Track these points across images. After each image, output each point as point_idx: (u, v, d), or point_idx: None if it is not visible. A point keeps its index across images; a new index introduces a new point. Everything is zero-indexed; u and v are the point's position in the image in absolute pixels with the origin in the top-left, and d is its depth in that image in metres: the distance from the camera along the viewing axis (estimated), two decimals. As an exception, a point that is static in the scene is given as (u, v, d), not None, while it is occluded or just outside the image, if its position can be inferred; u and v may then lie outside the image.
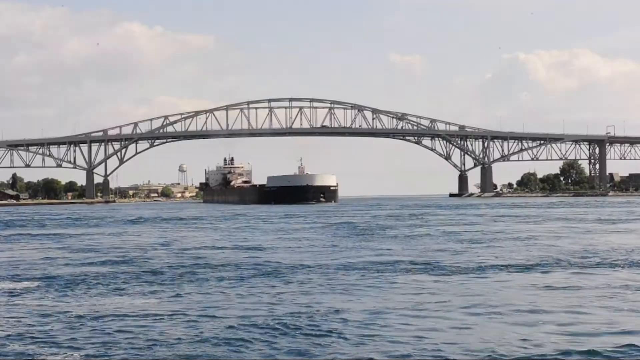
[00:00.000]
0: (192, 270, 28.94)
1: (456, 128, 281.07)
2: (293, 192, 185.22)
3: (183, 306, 20.05)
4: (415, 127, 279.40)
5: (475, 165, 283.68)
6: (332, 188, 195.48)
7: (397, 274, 27.19)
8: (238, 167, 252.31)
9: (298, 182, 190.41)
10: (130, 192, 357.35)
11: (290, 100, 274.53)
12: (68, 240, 50.75)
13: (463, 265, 29.64)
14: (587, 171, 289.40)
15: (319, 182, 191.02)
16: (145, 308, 19.75)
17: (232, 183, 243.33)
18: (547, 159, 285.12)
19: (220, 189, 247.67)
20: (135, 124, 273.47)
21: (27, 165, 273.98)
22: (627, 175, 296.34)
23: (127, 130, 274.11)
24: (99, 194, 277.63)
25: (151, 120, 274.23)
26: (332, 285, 24.10)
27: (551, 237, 45.83)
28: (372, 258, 33.22)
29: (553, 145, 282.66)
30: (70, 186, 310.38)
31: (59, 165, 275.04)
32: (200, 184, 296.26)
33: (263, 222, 75.97)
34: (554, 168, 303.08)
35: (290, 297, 21.55)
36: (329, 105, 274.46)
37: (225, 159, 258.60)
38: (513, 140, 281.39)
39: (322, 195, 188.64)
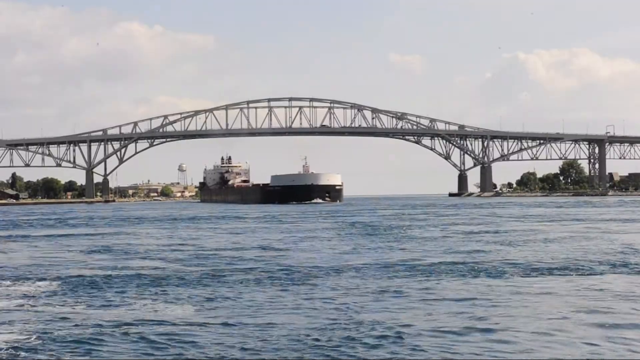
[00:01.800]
0: (220, 274, 28.12)
1: (456, 128, 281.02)
2: (298, 192, 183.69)
3: (217, 313, 19.56)
4: (415, 127, 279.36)
5: (474, 165, 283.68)
6: (337, 187, 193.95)
7: (439, 276, 26.63)
8: (236, 167, 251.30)
9: (303, 181, 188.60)
10: (130, 192, 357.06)
11: (290, 99, 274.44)
12: (81, 240, 50.12)
13: (508, 268, 29.02)
14: (586, 171, 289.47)
15: (324, 182, 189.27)
16: (183, 315, 19.35)
17: (230, 182, 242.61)
18: (546, 159, 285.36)
19: (219, 188, 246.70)
20: (135, 124, 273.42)
21: (27, 165, 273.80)
22: (627, 174, 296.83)
23: (126, 130, 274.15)
24: (98, 194, 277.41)
25: (151, 119, 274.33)
26: (378, 290, 23.35)
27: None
28: (408, 260, 32.63)
29: (553, 144, 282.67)
30: (70, 186, 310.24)
31: (59, 165, 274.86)
32: (200, 183, 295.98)
33: (277, 222, 75.28)
34: (554, 168, 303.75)
35: (335, 303, 20.82)
36: (328, 104, 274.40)
37: (222, 158, 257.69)
38: (513, 140, 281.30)
39: (327, 194, 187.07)
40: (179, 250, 40.30)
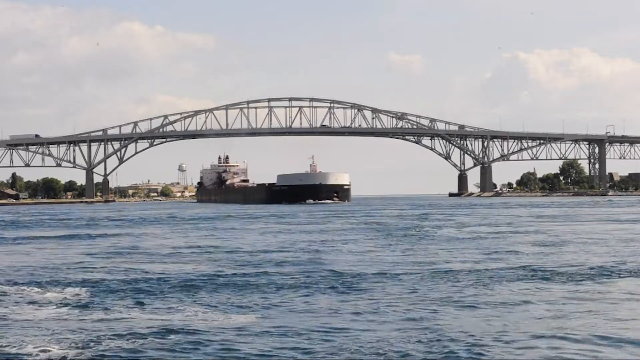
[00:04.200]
0: (268, 278, 27.06)
1: (456, 127, 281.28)
2: (305, 191, 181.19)
3: (279, 319, 18.97)
4: (415, 127, 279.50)
5: (475, 165, 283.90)
6: (345, 187, 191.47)
7: (494, 280, 25.61)
8: (233, 166, 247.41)
9: (311, 180, 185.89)
10: (130, 192, 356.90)
11: (290, 99, 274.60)
12: (98, 241, 49.01)
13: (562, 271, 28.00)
14: (586, 171, 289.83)
15: (332, 181, 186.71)
16: (245, 322, 18.77)
17: (228, 182, 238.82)
18: (546, 159, 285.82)
19: (217, 188, 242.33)
20: (135, 124, 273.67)
21: (27, 165, 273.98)
22: (627, 174, 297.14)
23: (126, 130, 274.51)
24: (98, 194, 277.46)
25: (151, 119, 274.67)
26: (435, 293, 22.45)
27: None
28: (449, 263, 31.74)
29: (553, 144, 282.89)
30: (70, 185, 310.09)
31: (59, 165, 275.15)
32: (198, 183, 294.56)
33: (296, 223, 73.91)
34: (554, 168, 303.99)
35: (395, 309, 19.93)
36: (328, 104, 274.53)
37: (219, 158, 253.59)
38: (513, 140, 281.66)
39: (335, 194, 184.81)
40: (214, 253, 39.05)
